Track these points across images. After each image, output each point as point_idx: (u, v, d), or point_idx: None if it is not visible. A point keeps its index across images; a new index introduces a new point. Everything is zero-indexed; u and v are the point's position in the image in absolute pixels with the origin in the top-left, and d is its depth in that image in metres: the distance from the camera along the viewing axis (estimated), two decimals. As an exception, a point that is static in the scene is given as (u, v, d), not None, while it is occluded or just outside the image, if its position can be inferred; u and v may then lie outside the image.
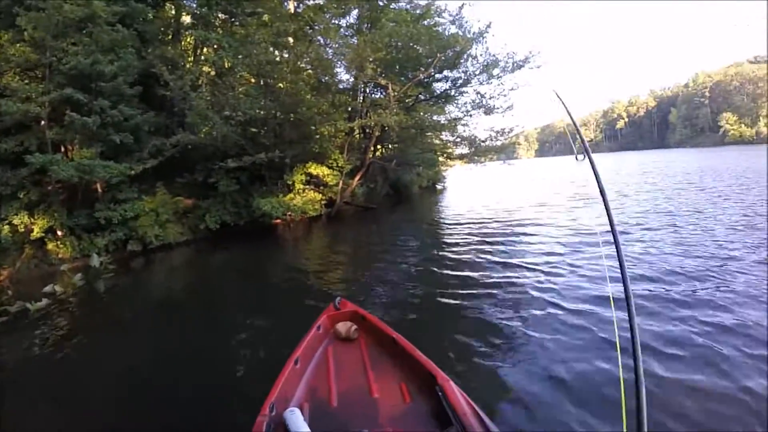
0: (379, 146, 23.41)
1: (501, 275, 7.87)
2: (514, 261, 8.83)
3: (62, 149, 13.12)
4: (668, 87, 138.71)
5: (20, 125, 12.15)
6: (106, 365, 5.55)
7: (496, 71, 20.84)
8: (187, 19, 18.44)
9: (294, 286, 8.70)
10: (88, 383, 5.07)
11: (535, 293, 6.54)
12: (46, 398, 4.75)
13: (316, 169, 18.65)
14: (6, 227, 11.34)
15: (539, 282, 7.08)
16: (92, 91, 12.61)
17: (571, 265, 7.85)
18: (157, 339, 6.38)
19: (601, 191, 2.14)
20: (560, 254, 8.81)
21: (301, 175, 18.21)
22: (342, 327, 4.23)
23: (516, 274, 7.76)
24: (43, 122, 12.22)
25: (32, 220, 11.83)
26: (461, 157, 24.34)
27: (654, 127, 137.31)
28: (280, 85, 17.23)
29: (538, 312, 5.78)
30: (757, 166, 26.96)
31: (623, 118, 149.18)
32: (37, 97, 11.75)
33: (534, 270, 7.84)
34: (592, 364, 4.26)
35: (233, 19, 18.59)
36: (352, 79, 20.80)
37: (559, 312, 5.67)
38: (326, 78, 19.61)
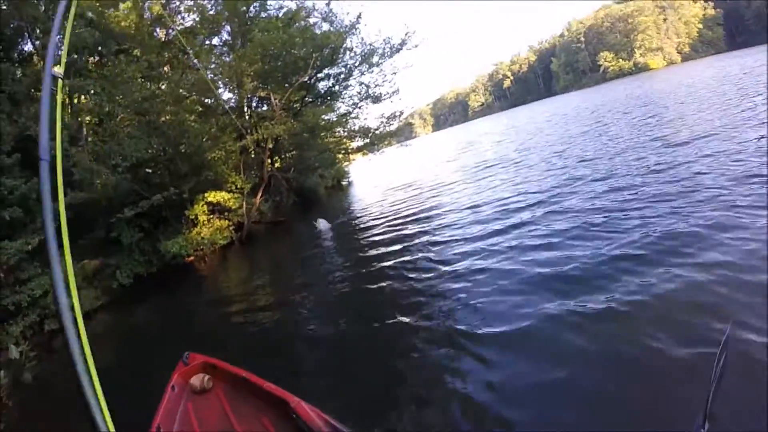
0: (275, 158, 23.56)
1: (413, 258, 9.22)
2: (421, 240, 10.45)
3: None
4: (545, 40, 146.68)
5: None
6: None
7: (375, 59, 21.70)
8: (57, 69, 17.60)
9: (221, 325, 9.06)
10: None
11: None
12: None
13: (215, 197, 18.55)
14: None
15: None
16: (-33, 169, 11.93)
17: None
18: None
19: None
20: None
21: (203, 205, 18.08)
22: (196, 380, 4.28)
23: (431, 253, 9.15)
24: None
25: (-65, 326, 11.12)
26: (359, 149, 25.08)
27: (539, 80, 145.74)
28: (163, 118, 16.99)
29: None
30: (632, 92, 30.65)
31: (509, 77, 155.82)
32: None
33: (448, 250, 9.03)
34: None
35: (104, 60, 17.97)
36: (236, 98, 20.77)
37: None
38: (210, 101, 19.46)
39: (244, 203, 18.94)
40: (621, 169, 11.09)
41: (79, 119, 16.80)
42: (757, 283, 4.47)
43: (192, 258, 17.03)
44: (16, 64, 15.62)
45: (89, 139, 16.61)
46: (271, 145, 20.66)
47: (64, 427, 6.73)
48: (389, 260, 9.50)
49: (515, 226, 9.04)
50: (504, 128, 43.28)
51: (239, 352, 7.30)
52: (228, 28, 21.37)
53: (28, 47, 17.34)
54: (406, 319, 6.30)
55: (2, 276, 12.30)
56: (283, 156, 24.59)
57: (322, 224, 15.29)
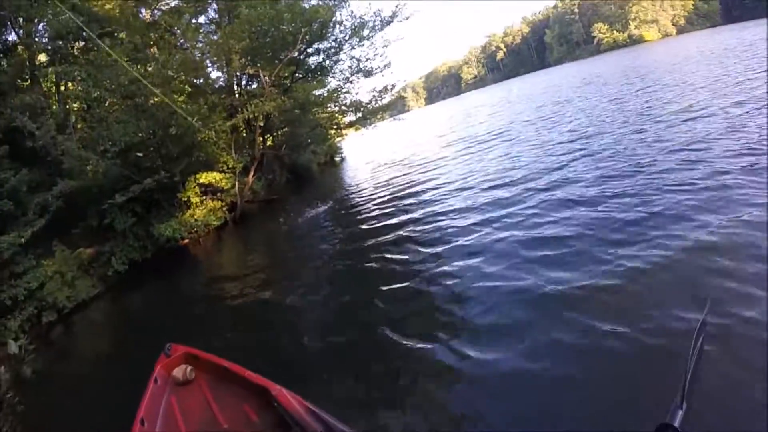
0: (267, 135, 23.36)
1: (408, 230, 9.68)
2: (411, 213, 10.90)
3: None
4: (539, 11, 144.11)
5: None
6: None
7: (365, 32, 21.28)
8: (43, 57, 17.35)
9: (216, 309, 9.19)
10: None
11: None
12: None
13: (207, 177, 18.55)
14: None
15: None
16: (-46, 165, 11.80)
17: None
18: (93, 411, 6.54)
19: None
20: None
21: (195, 187, 18.04)
22: (178, 372, 4.30)
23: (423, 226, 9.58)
24: None
25: (-69, 325, 11.11)
26: (351, 124, 24.76)
27: (532, 51, 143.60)
28: (152, 101, 16.78)
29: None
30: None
31: (502, 49, 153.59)
32: None
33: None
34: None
35: (89, 45, 17.63)
36: (225, 77, 20.51)
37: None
38: (199, 81, 19.22)
39: (237, 183, 18.80)
40: (618, 145, 11.24)
41: (66, 106, 16.59)
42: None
43: (186, 241, 17.05)
44: (0, 55, 15.30)
45: (77, 126, 16.39)
46: (262, 123, 20.48)
47: (65, 421, 6.88)
48: (382, 237, 9.80)
49: (509, 203, 9.20)
50: (497, 101, 43.00)
51: (234, 336, 7.50)
52: (214, 5, 20.99)
53: (12, 37, 17.04)
54: (398, 300, 6.52)
55: (-3, 270, 12.32)
56: (274, 134, 24.38)
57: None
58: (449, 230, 8.74)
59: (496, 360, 4.42)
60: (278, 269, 10.59)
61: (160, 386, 4.24)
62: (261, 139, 21.67)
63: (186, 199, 17.56)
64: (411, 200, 12.50)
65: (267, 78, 19.16)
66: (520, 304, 5.25)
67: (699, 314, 3.17)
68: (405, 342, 5.29)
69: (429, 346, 5.07)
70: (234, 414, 3.61)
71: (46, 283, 12.57)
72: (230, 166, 19.03)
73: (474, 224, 8.53)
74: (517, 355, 4.37)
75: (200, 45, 18.84)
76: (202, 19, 21.48)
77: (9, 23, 16.12)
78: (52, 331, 12.19)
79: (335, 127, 25.01)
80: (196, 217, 17.03)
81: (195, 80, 19.14)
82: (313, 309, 7.52)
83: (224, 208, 18.49)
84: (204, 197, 18.31)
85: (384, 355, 5.23)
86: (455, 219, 9.30)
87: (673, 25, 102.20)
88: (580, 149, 11.79)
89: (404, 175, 17.17)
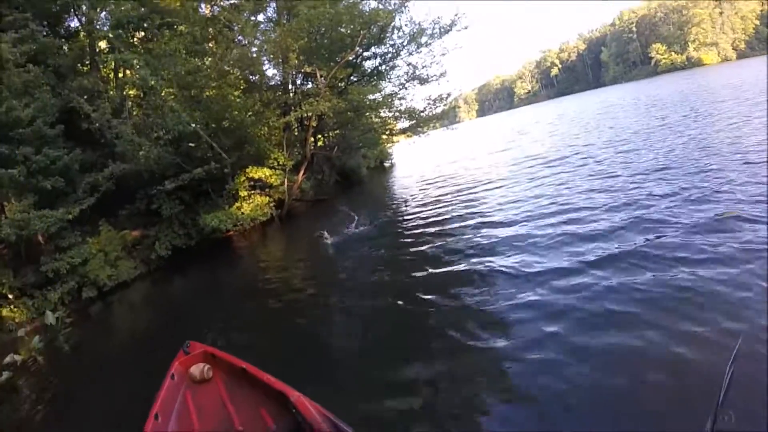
0: (319, 136, 23.30)
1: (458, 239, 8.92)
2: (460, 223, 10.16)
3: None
4: (595, 29, 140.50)
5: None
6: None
7: (423, 39, 20.81)
8: (103, 44, 17.72)
9: (251, 303, 8.93)
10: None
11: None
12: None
13: (257, 173, 18.42)
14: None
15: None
16: (12, 140, 12.06)
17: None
18: (116, 390, 6.43)
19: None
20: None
21: (244, 181, 18.01)
22: (196, 370, 4.28)
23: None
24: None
25: (-25, 289, 11.31)
26: (403, 131, 24.37)
27: (587, 69, 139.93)
28: (207, 93, 16.88)
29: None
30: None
31: (557, 65, 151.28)
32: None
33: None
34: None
35: (149, 35, 17.99)
36: (280, 74, 20.54)
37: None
38: (254, 77, 19.29)
39: (286, 180, 18.62)
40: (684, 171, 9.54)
41: (123, 92, 16.84)
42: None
43: (231, 233, 17.01)
44: (63, 39, 15.70)
45: (133, 112, 16.60)
46: (314, 123, 20.37)
47: (85, 395, 6.73)
48: (429, 250, 8.87)
49: (573, 233, 7.50)
50: (554, 118, 40.29)
51: (264, 334, 7.17)
52: (273, 4, 21.07)
53: (75, 23, 17.47)
54: (442, 314, 5.86)
55: (43, 244, 12.43)
56: (326, 134, 24.30)
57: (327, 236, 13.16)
58: (518, 265, 7.48)
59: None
60: (319, 272, 9.98)
61: (176, 383, 4.25)
62: (312, 138, 21.56)
63: (234, 191, 17.50)
64: (464, 217, 10.88)
65: (323, 78, 19.05)
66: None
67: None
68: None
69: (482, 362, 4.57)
70: (250, 416, 3.54)
71: (89, 260, 12.68)
72: (281, 163, 18.85)
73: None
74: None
75: (258, 42, 18.86)
76: (260, 17, 21.50)
77: (72, 10, 16.51)
78: (91, 307, 12.23)
79: (387, 132, 24.72)
80: (243, 210, 16.91)
81: (250, 76, 19.18)
82: (350, 318, 6.98)
83: (271, 204, 18.32)
84: (252, 192, 18.23)
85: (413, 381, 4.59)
86: (524, 252, 7.32)
87: (733, 49, 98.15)
88: (661, 185, 9.00)
89: (457, 191, 15.10)
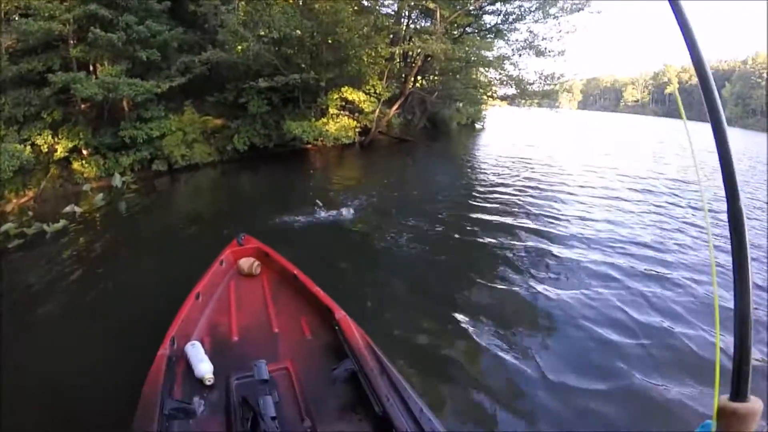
0: (419, 77, 22.23)
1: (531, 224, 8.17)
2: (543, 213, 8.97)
3: (90, 68, 12.44)
4: (725, 60, 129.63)
5: (45, 45, 11.66)
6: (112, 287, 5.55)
7: (553, 10, 19.29)
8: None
9: (315, 219, 8.46)
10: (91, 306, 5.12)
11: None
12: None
13: (352, 95, 17.65)
14: (28, 148, 10.84)
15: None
16: (118, 6, 11.99)
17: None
18: (162, 262, 6.36)
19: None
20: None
21: (336, 99, 17.38)
22: (245, 263, 4.20)
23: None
24: (68, 41, 11.67)
25: (56, 140, 11.44)
26: (504, 98, 23.18)
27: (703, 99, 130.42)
28: (318, 4, 16.24)
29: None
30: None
31: (674, 84, 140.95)
32: (60, 15, 11.14)
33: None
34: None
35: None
36: (396, 4, 19.58)
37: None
38: (369, 2, 18.49)
39: (378, 110, 17.95)
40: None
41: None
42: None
43: (310, 146, 16.72)
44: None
45: (242, 3, 16.16)
46: (420, 63, 19.42)
47: (138, 259, 6.75)
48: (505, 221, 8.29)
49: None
50: (672, 141, 31.00)
51: (316, 251, 6.74)
52: None
53: None
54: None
55: (127, 111, 12.37)
56: (428, 78, 23.24)
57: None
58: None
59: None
60: (387, 206, 9.45)
61: (224, 269, 4.19)
62: (414, 77, 20.59)
63: (324, 107, 16.96)
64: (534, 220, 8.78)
65: (442, 19, 17.98)
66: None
67: None
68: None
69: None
70: (289, 322, 3.40)
71: (167, 136, 12.66)
72: (377, 91, 18.09)
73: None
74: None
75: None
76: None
77: None
78: (158, 179, 12.30)
79: (489, 94, 23.43)
80: (327, 128, 16.35)
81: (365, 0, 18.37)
82: (403, 256, 6.75)
83: (357, 130, 17.68)
84: (341, 112, 17.65)
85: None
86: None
87: None
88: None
89: (546, 183, 12.71)
